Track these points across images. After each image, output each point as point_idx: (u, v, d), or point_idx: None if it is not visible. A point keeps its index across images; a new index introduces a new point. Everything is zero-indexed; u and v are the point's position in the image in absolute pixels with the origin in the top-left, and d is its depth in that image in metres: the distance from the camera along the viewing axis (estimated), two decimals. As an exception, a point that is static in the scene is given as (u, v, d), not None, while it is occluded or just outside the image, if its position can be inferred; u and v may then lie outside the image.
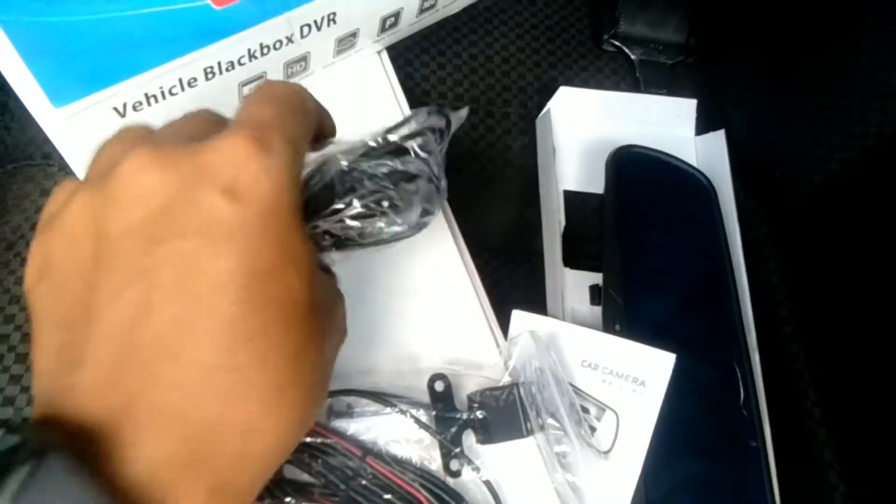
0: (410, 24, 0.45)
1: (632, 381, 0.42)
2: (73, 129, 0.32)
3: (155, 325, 0.19)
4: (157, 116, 0.35)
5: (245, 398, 0.20)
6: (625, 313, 0.45)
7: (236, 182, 0.20)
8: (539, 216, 0.51)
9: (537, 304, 0.47)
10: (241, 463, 0.20)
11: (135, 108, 0.33)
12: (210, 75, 0.35)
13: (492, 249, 0.45)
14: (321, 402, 0.25)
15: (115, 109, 0.33)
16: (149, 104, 0.34)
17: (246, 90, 0.38)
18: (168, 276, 0.19)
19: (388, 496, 0.35)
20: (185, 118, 0.24)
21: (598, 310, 0.47)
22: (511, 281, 0.48)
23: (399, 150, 0.30)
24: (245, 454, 0.20)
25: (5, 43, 0.29)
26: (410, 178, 0.30)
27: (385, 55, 0.47)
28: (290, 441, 0.22)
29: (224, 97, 0.38)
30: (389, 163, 0.30)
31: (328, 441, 0.36)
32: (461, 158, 0.51)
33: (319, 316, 0.22)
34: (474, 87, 0.53)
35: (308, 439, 0.36)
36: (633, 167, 0.49)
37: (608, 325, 0.45)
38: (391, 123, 0.31)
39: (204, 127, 0.23)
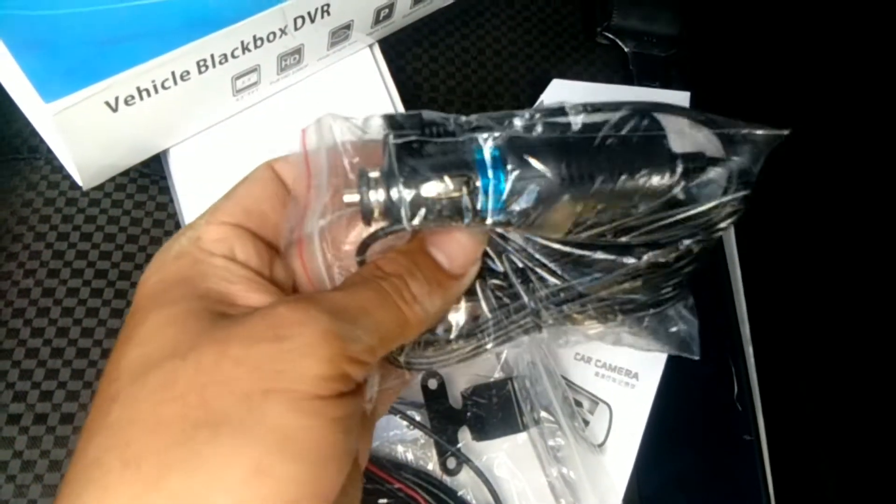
0: (404, 15, 0.44)
1: (625, 373, 0.42)
2: (64, 124, 0.31)
3: None
4: (149, 110, 0.34)
5: None
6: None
7: None
8: (532, 210, 0.50)
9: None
10: None
11: (127, 103, 0.33)
12: (203, 68, 0.34)
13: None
14: None
15: (107, 104, 0.32)
16: (141, 98, 0.33)
17: (239, 83, 0.38)
18: None
19: (384, 500, 0.35)
20: None
21: (591, 304, 0.47)
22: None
23: None
24: None
25: (-7, 37, 0.28)
26: None
27: (377, 48, 0.46)
28: None
29: (217, 90, 0.38)
30: None
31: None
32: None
33: None
34: (466, 80, 0.53)
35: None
36: (626, 160, 0.49)
37: (601, 320, 0.45)
38: None
39: None
